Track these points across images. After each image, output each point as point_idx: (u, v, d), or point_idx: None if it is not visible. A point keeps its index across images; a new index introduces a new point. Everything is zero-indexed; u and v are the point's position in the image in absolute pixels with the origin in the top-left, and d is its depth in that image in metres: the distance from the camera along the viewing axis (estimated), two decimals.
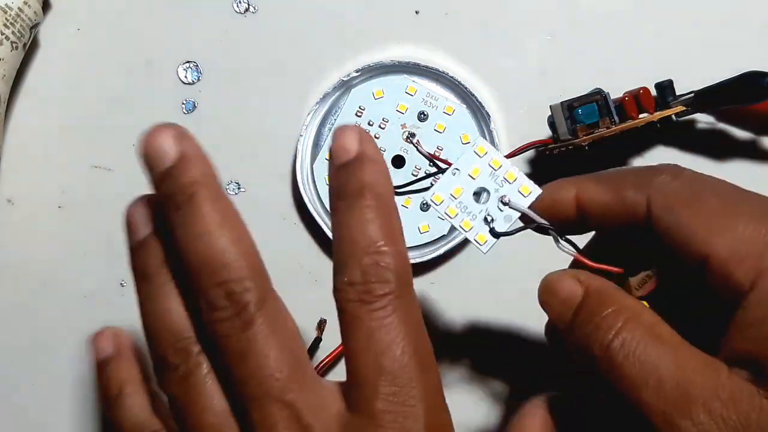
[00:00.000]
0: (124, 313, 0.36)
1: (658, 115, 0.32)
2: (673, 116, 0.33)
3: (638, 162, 0.35)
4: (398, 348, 0.22)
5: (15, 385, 0.36)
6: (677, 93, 0.33)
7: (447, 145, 0.35)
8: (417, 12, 0.36)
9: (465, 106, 0.35)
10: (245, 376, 0.22)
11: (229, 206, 0.24)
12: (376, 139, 0.35)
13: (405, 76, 0.35)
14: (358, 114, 0.35)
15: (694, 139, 0.35)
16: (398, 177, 0.35)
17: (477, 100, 0.34)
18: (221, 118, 0.36)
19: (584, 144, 0.32)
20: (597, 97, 0.32)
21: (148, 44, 0.36)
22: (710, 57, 0.35)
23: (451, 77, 0.34)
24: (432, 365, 0.23)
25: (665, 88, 0.33)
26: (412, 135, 0.35)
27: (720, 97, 0.32)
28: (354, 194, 0.23)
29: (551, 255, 0.36)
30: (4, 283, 0.36)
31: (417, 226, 0.35)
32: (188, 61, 0.36)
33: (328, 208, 0.33)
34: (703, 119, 0.35)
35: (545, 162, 0.35)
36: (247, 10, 0.36)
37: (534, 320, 0.35)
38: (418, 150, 0.35)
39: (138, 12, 0.36)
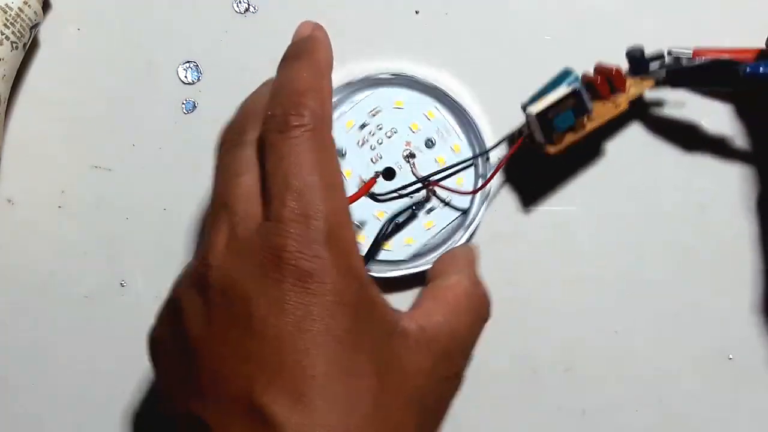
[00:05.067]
0: (124, 313, 0.36)
1: (629, 96, 0.33)
2: (646, 91, 0.33)
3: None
4: (306, 169, 0.26)
5: (15, 386, 0.36)
6: (648, 56, 0.33)
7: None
8: (416, 12, 0.36)
9: (472, 155, 0.35)
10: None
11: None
12: (378, 145, 0.35)
13: (431, 99, 0.35)
14: (373, 113, 0.35)
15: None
16: (384, 187, 0.34)
17: (487, 158, 0.34)
18: (221, 118, 0.36)
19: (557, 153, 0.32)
20: (572, 101, 0.31)
21: (148, 44, 0.36)
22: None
23: (474, 123, 0.34)
24: (338, 188, 0.26)
25: (637, 57, 0.33)
26: (412, 156, 0.35)
27: (692, 78, 0.32)
28: (293, 56, 0.29)
29: (549, 260, 0.36)
30: (4, 283, 0.36)
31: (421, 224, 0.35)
32: (188, 61, 0.36)
33: None
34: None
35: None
36: (247, 10, 0.36)
37: (531, 321, 0.35)
38: (412, 171, 0.34)
39: (138, 12, 0.36)
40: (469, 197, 0.35)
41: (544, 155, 0.32)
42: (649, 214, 0.35)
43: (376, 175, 0.34)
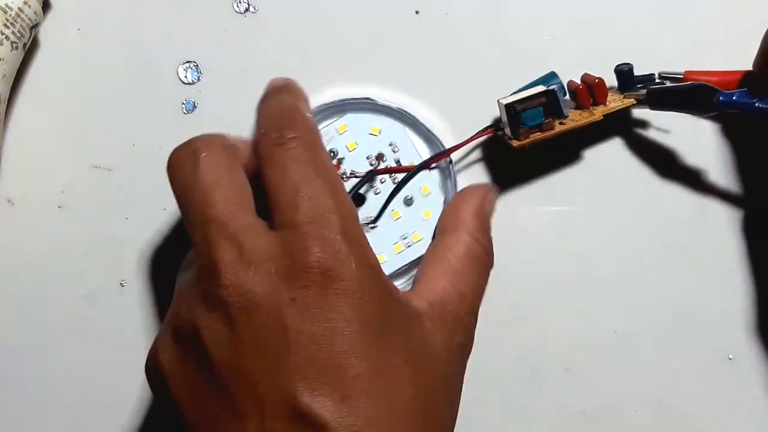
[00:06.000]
0: (124, 313, 0.36)
1: (607, 109, 0.33)
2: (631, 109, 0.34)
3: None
4: (310, 175, 0.27)
5: (15, 386, 0.36)
6: (638, 76, 0.33)
7: (384, 148, 0.34)
8: (416, 12, 0.36)
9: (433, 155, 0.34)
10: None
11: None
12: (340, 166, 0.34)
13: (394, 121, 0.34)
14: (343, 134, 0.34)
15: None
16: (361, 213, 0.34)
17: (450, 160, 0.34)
18: (221, 118, 0.36)
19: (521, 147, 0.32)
20: (543, 99, 0.32)
21: (148, 44, 0.36)
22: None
23: (434, 135, 0.34)
24: (341, 188, 0.27)
25: (624, 73, 0.33)
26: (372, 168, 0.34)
27: (671, 101, 0.32)
28: (274, 91, 0.31)
29: (549, 260, 0.36)
30: (4, 283, 0.36)
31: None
32: (188, 61, 0.36)
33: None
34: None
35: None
36: (247, 10, 0.36)
37: (531, 321, 0.35)
38: (372, 166, 0.34)
39: (138, 12, 0.36)
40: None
41: (510, 149, 0.32)
42: (649, 213, 0.35)
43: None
